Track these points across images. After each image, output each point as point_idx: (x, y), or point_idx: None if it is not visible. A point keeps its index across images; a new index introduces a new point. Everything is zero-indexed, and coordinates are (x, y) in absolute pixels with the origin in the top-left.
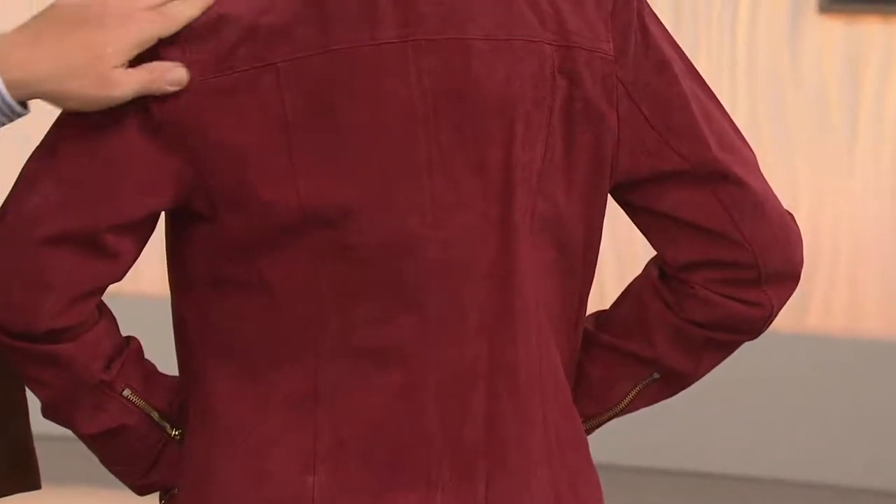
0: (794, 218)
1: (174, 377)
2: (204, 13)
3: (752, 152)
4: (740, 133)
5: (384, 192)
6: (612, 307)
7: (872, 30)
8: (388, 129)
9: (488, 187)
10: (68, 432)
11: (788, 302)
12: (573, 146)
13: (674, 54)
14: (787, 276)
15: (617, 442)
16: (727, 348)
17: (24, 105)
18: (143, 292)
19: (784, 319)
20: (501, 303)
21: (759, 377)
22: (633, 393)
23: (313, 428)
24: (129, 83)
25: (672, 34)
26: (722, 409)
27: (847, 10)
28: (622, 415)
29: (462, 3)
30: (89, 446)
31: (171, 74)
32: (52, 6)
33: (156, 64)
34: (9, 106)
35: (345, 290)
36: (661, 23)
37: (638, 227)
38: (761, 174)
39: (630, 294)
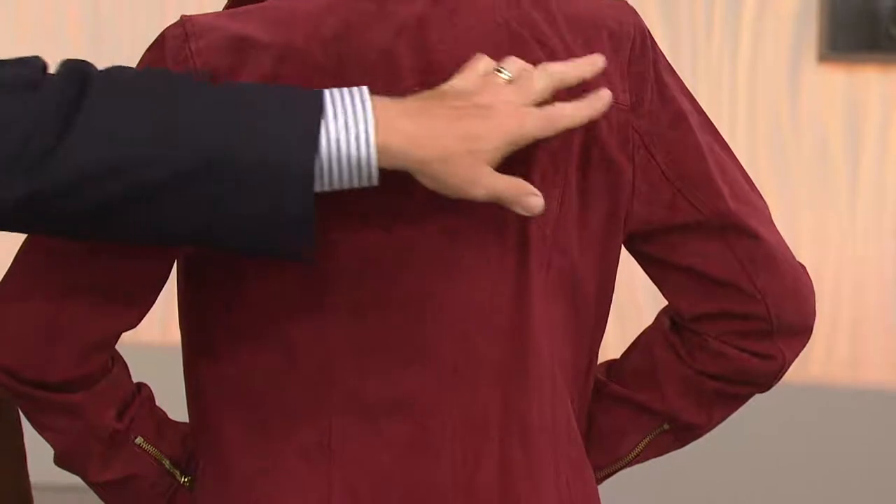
0: (806, 271)
1: (185, 424)
2: (227, 50)
3: (766, 204)
4: (754, 185)
5: (401, 245)
6: (622, 357)
7: (871, 79)
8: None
9: (504, 240)
10: (74, 481)
11: None
12: (588, 196)
13: (689, 106)
14: (799, 328)
15: (623, 491)
16: (738, 400)
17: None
18: (140, 341)
19: None
20: (516, 355)
21: (760, 426)
22: (643, 444)
23: (327, 479)
24: (490, 188)
25: None
26: (724, 459)
27: (846, 60)
28: (632, 465)
29: (478, 51)
30: (99, 494)
31: (529, 200)
32: (451, 85)
33: (522, 183)
34: (370, 169)
35: (360, 342)
36: (676, 74)
37: (651, 277)
38: (775, 227)
39: (641, 344)
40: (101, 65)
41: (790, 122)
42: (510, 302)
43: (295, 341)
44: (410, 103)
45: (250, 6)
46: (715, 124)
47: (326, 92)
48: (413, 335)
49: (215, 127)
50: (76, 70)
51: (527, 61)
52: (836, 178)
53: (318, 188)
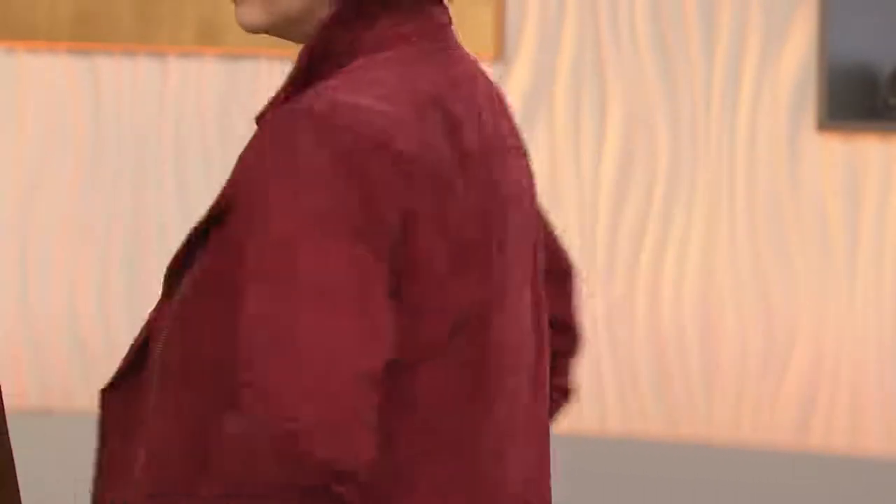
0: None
1: None
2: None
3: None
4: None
5: (502, 297)
6: None
7: (870, 147)
8: (516, 233)
9: (531, 292)
10: None
11: (790, 422)
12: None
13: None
14: None
15: None
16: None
17: None
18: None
19: (786, 439)
20: (534, 416)
21: (761, 495)
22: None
23: None
24: None
25: (671, 153)
26: None
27: (845, 129)
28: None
29: (485, 115)
30: None
31: None
32: None
33: None
34: None
35: (476, 395)
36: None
37: None
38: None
39: None
40: (103, 139)
41: (789, 190)
42: (534, 356)
43: (421, 397)
44: None
45: (356, 80)
46: (715, 195)
47: None
48: (499, 387)
49: None
50: None
51: (505, 127)
52: (835, 245)
53: None
